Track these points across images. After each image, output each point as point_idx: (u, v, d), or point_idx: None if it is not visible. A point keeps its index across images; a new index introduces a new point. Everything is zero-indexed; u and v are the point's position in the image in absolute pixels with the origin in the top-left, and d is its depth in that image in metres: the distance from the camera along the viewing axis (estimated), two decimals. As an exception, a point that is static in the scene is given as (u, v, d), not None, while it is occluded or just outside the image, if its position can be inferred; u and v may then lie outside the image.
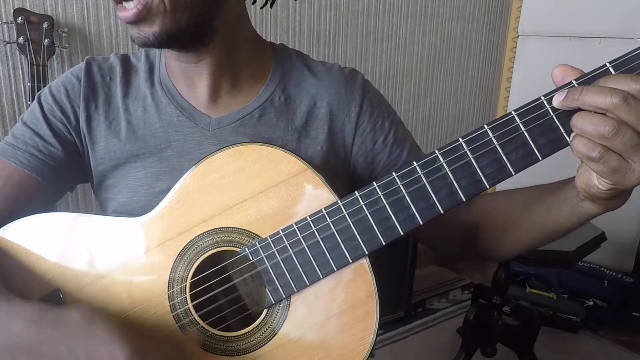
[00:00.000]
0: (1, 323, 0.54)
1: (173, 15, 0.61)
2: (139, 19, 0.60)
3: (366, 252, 0.57)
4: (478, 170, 0.53)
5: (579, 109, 0.47)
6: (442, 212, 0.55)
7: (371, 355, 0.59)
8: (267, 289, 0.60)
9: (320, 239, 0.58)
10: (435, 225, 0.56)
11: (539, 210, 0.60)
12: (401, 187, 0.55)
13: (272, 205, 0.60)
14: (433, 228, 0.56)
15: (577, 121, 0.47)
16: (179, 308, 0.61)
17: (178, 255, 0.61)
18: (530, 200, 0.62)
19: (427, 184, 0.54)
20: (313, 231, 0.58)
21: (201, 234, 0.61)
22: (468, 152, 0.53)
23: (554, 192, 0.58)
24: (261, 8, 0.80)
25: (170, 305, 0.61)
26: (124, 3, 0.60)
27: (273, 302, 0.60)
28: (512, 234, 0.66)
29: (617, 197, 0.50)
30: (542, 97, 0.50)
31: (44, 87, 1.26)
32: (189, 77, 0.71)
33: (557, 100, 0.49)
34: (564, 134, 0.50)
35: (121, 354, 0.50)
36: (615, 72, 0.48)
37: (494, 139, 0.52)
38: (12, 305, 0.55)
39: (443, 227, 0.67)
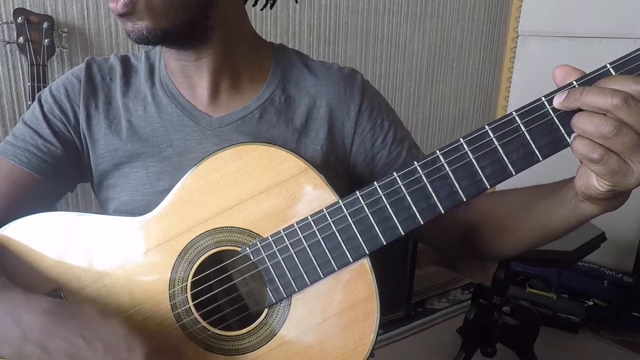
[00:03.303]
0: (12, 313, 0.53)
1: (165, 12, 0.61)
2: (128, 11, 0.60)
3: (367, 252, 0.57)
4: (479, 170, 0.53)
5: (579, 110, 0.48)
6: (442, 212, 0.55)
7: (371, 355, 0.59)
8: (267, 289, 0.60)
9: (321, 238, 0.58)
10: (435, 224, 0.56)
11: (538, 210, 0.60)
12: (402, 187, 0.55)
13: (273, 205, 0.60)
14: (432, 228, 0.57)
15: (577, 121, 0.47)
16: (180, 307, 0.61)
17: (179, 255, 0.61)
18: (530, 200, 0.62)
19: (427, 184, 0.54)
20: (314, 231, 0.58)
21: (202, 233, 0.61)
22: (469, 152, 0.53)
23: (553, 192, 0.58)
24: (261, 9, 0.80)
25: (171, 304, 0.61)
26: None
27: (274, 301, 0.60)
28: (511, 233, 0.66)
29: (615, 198, 0.50)
30: (543, 98, 0.50)
31: (44, 87, 1.26)
32: (188, 76, 0.71)
33: (557, 101, 0.49)
34: (565, 135, 0.50)
35: (139, 349, 0.51)
36: (615, 73, 0.48)
37: (494, 139, 0.52)
38: (27, 298, 0.55)
39: (442, 226, 0.67)
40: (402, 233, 0.56)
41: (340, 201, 0.57)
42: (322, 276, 0.58)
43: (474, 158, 0.53)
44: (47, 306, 0.54)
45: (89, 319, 0.53)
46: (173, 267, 0.61)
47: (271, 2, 0.80)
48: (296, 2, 0.89)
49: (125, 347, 0.50)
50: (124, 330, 0.52)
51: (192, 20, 0.63)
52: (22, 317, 0.53)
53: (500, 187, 0.61)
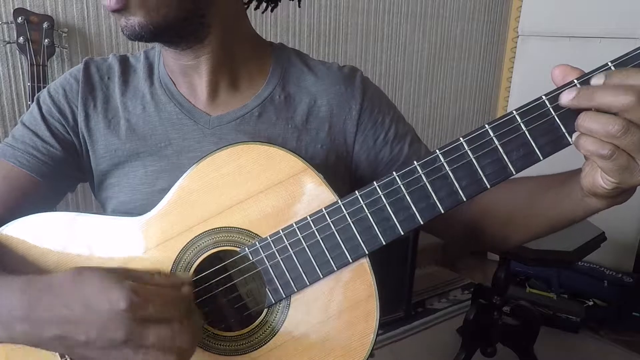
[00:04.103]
0: None
1: (158, 8, 0.61)
2: (121, 7, 0.60)
3: (366, 252, 0.57)
4: (479, 170, 0.53)
5: (579, 110, 0.47)
6: (442, 212, 0.55)
7: (371, 355, 0.59)
8: (267, 289, 0.60)
9: (321, 238, 0.57)
10: (438, 219, 0.56)
11: (544, 203, 0.60)
12: (402, 186, 0.55)
13: (272, 205, 0.59)
14: (436, 221, 0.56)
15: (583, 120, 0.46)
16: (179, 308, 0.61)
17: (178, 255, 0.61)
18: (535, 192, 0.62)
19: (427, 184, 0.54)
20: (313, 231, 0.58)
21: (201, 233, 0.61)
22: (469, 151, 0.53)
23: (559, 185, 0.58)
24: (262, 12, 0.80)
25: (170, 305, 0.61)
26: None
27: (273, 301, 0.60)
28: (516, 225, 0.66)
29: (621, 194, 0.50)
30: (544, 97, 0.50)
31: (44, 87, 1.25)
32: (187, 75, 0.71)
33: (567, 99, 0.47)
34: (565, 134, 0.49)
35: (120, 297, 0.48)
36: None
37: (494, 139, 0.52)
38: (3, 279, 0.54)
39: (446, 220, 0.67)
40: (402, 233, 0.56)
41: (339, 201, 0.57)
42: (321, 276, 0.58)
43: (474, 157, 0.53)
44: (22, 285, 0.53)
45: (62, 286, 0.51)
46: (172, 267, 0.61)
47: (272, 5, 0.79)
48: (299, 6, 0.89)
49: (105, 299, 0.49)
50: (101, 284, 0.50)
51: (186, 17, 0.63)
52: (3, 299, 0.52)
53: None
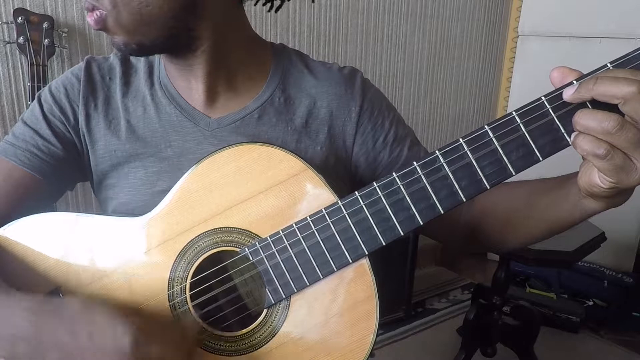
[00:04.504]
0: (3, 314, 0.53)
1: (135, 28, 0.62)
2: (101, 27, 0.62)
3: (366, 252, 0.57)
4: (478, 170, 0.53)
5: (580, 107, 0.47)
6: (442, 212, 0.55)
7: (371, 355, 0.59)
8: (267, 289, 0.60)
9: (320, 239, 0.58)
10: (437, 220, 0.56)
11: (542, 205, 0.61)
12: (401, 187, 0.55)
13: (272, 205, 0.59)
14: (435, 223, 0.56)
15: (580, 117, 0.47)
16: (179, 308, 0.61)
17: (178, 255, 0.61)
18: (534, 195, 0.62)
19: (427, 185, 0.54)
20: (313, 231, 0.58)
21: (201, 234, 0.61)
22: (468, 152, 0.53)
23: (556, 187, 0.58)
24: (268, 11, 0.80)
25: (170, 305, 0.61)
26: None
27: (273, 302, 0.60)
28: (515, 228, 0.66)
29: (618, 195, 0.50)
30: (543, 97, 0.50)
31: (44, 87, 1.25)
32: (185, 79, 0.71)
33: (568, 93, 0.48)
34: (565, 135, 0.50)
35: (125, 333, 0.49)
36: None
37: (494, 139, 0.52)
38: (12, 297, 0.55)
39: (445, 222, 0.67)
40: (402, 233, 0.56)
41: (339, 201, 0.57)
42: (321, 277, 0.58)
43: (474, 158, 0.53)
44: (32, 305, 0.53)
45: (73, 313, 0.52)
46: (172, 268, 0.61)
47: (277, 5, 0.79)
48: (312, 1, 0.88)
49: (111, 334, 0.49)
50: (108, 318, 0.51)
51: (172, 33, 0.64)
52: (9, 317, 0.53)
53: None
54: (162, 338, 0.52)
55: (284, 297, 0.59)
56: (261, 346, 0.60)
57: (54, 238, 0.63)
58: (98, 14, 0.61)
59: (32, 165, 0.68)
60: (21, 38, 1.43)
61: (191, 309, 0.61)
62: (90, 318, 0.51)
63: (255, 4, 0.77)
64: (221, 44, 0.69)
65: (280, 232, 0.59)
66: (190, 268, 0.61)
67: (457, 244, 0.78)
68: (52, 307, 0.53)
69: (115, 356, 0.49)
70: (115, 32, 0.63)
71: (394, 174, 0.55)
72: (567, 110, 0.49)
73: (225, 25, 0.68)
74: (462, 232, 0.73)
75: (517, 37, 2.75)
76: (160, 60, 0.74)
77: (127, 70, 0.75)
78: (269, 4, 0.77)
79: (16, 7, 1.46)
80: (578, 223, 0.58)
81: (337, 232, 0.57)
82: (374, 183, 0.56)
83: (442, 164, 0.54)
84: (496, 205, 0.68)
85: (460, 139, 0.53)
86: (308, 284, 0.58)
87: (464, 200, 0.54)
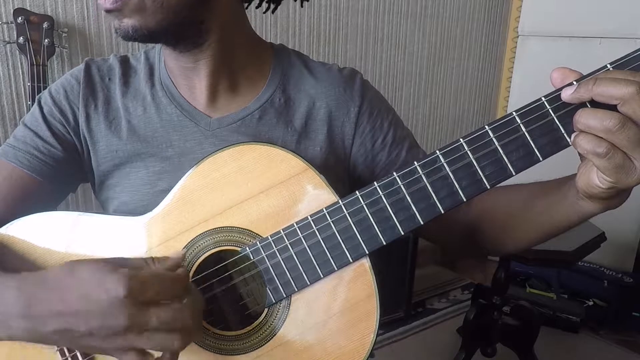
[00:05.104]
0: None
1: (154, 13, 0.61)
2: (117, 7, 0.60)
3: (367, 252, 0.57)
4: (479, 170, 0.53)
5: (580, 107, 0.48)
6: (442, 212, 0.55)
7: (371, 355, 0.59)
8: (267, 289, 0.60)
9: (321, 238, 0.58)
10: (436, 222, 0.56)
11: (540, 208, 0.60)
12: (402, 187, 0.55)
13: (273, 205, 0.60)
14: (434, 225, 0.57)
15: (580, 116, 0.47)
16: (180, 308, 0.61)
17: (179, 255, 0.61)
18: (531, 198, 0.62)
19: (427, 184, 0.54)
20: (314, 231, 0.58)
21: (202, 233, 0.61)
22: (469, 152, 0.53)
23: (554, 190, 0.58)
24: (263, 13, 0.80)
25: (171, 304, 0.61)
26: None
27: (273, 301, 0.60)
28: (513, 231, 0.66)
29: (616, 196, 0.50)
30: (543, 98, 0.50)
31: (44, 87, 1.25)
32: (188, 78, 0.71)
33: (567, 93, 0.48)
34: (565, 135, 0.50)
35: (117, 284, 0.47)
36: None
37: (494, 140, 0.52)
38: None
39: (444, 224, 0.68)
40: (402, 233, 0.56)
41: (340, 201, 0.57)
42: (321, 276, 0.58)
43: (474, 158, 0.53)
44: (17, 282, 0.52)
45: (56, 279, 0.51)
46: (173, 267, 0.61)
47: (273, 6, 0.79)
48: (301, 6, 0.89)
49: (103, 289, 0.48)
50: (95, 275, 0.49)
51: (182, 23, 0.63)
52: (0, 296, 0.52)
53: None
54: (155, 279, 0.50)
55: (284, 296, 0.59)
56: (261, 345, 0.60)
57: (55, 237, 0.63)
58: None
59: (31, 167, 0.69)
60: (21, 38, 1.43)
61: (192, 308, 0.61)
62: (76, 280, 0.49)
63: (257, 7, 0.78)
64: (226, 41, 0.69)
65: (281, 231, 0.59)
66: (191, 267, 0.61)
67: (455, 247, 0.78)
68: (36, 279, 0.52)
69: (114, 309, 0.47)
70: (129, 15, 0.61)
71: (394, 173, 0.55)
72: (567, 111, 0.49)
73: (232, 22, 0.69)
74: (461, 234, 0.73)
75: (517, 37, 2.75)
76: (160, 60, 0.74)
77: (127, 71, 0.75)
78: (265, 5, 0.78)
79: (16, 7, 1.46)
80: (576, 225, 0.58)
81: (337, 231, 0.57)
82: (375, 183, 0.56)
83: (442, 164, 0.54)
84: (494, 208, 0.68)
85: (461, 139, 0.53)
86: (309, 283, 0.58)
87: (464, 200, 0.54)
